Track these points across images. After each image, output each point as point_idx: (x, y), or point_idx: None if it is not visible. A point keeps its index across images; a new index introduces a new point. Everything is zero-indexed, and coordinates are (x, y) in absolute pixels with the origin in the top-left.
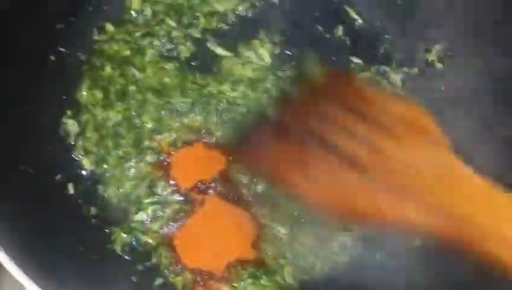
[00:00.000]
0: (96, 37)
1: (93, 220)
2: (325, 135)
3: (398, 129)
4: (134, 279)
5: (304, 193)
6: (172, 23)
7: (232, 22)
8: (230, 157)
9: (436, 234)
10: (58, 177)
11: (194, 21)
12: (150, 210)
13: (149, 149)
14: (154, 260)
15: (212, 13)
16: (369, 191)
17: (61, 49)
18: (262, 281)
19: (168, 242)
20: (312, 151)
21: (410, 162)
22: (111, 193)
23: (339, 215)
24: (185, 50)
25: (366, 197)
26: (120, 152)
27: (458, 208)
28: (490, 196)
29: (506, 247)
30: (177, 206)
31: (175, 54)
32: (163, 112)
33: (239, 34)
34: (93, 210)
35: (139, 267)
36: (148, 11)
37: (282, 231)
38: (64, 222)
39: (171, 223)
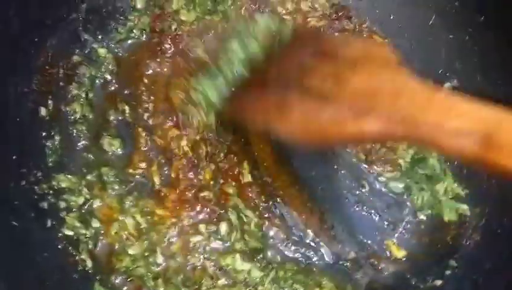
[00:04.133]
0: None
1: None
2: (298, 79)
3: (358, 60)
4: None
5: (285, 131)
6: None
7: None
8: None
9: (390, 137)
10: None
11: None
12: None
13: None
14: None
15: None
16: (335, 115)
17: None
18: None
19: None
20: (289, 95)
21: (366, 84)
22: None
23: (313, 143)
24: None
25: (333, 120)
26: None
27: (406, 113)
28: (431, 98)
29: (444, 134)
30: None
31: None
32: None
33: None
34: None
35: None
36: None
37: None
38: None
39: None
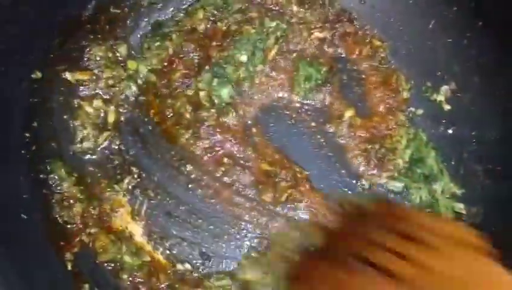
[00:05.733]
0: None
1: None
2: (371, 256)
3: (443, 246)
4: None
5: None
6: None
7: None
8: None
9: None
10: None
11: None
12: None
13: None
14: None
15: None
16: None
17: None
18: None
19: None
20: (357, 273)
21: (456, 272)
22: None
23: None
24: None
25: None
26: None
27: None
28: None
29: None
30: None
31: None
32: None
33: None
34: None
35: None
36: None
37: None
38: None
39: None
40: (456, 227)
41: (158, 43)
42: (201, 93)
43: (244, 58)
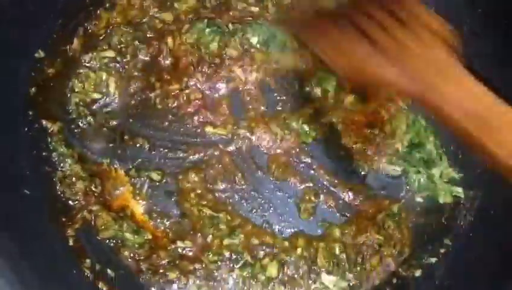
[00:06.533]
0: None
1: None
2: (361, 23)
3: (418, 29)
4: None
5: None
6: None
7: None
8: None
9: (404, 92)
10: None
11: None
12: None
13: None
14: None
15: None
16: (373, 57)
17: None
18: None
19: None
20: (347, 31)
21: (418, 52)
22: None
23: (345, 71)
24: None
25: (368, 60)
26: None
27: (429, 79)
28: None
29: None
30: None
31: None
32: None
33: None
34: None
35: None
36: None
37: None
38: None
39: None
40: (441, 24)
41: None
42: None
43: (254, 40)
